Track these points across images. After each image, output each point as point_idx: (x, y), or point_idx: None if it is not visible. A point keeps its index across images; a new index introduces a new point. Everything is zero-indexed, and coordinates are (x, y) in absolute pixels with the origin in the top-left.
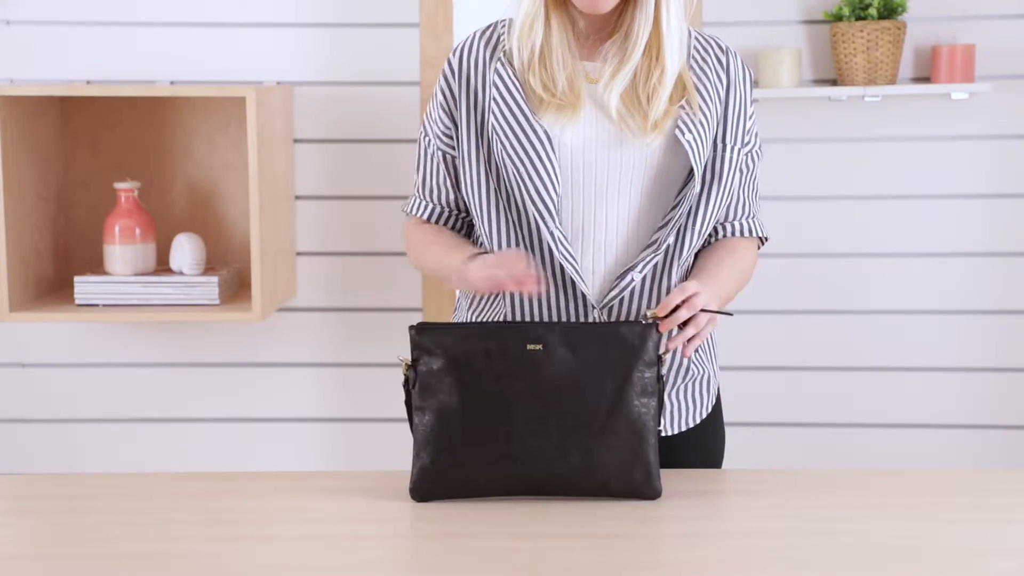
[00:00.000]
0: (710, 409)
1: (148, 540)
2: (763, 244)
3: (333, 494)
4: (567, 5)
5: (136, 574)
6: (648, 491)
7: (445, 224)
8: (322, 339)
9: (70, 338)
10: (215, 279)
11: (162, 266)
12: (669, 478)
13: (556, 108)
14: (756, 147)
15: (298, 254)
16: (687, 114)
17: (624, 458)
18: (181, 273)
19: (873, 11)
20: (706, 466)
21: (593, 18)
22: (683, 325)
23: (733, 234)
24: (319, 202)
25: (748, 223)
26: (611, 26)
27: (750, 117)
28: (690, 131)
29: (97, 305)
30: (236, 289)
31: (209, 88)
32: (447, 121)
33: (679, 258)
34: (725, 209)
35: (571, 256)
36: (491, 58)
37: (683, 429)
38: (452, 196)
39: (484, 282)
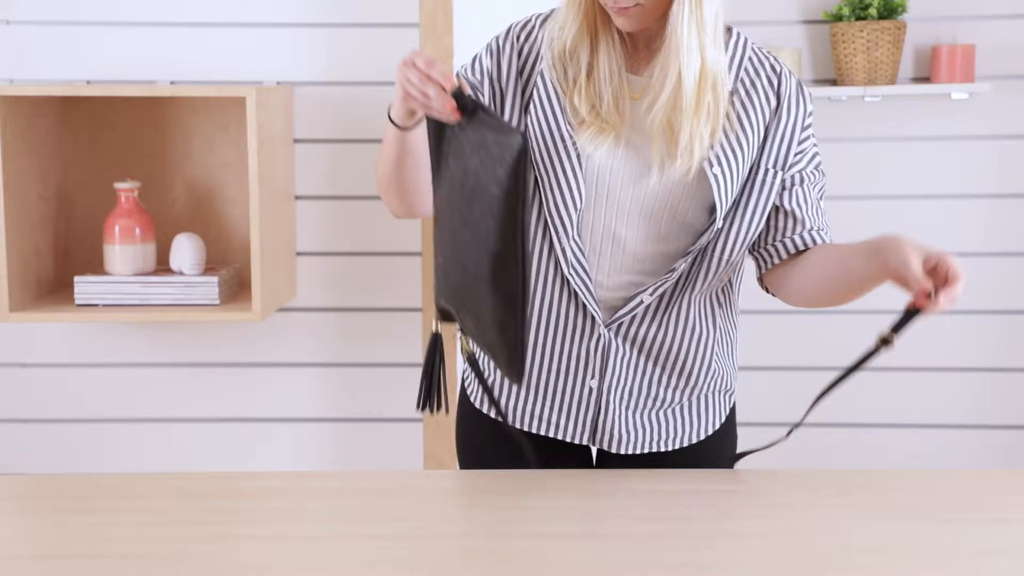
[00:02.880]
0: (724, 418)
1: (148, 540)
2: None
3: (333, 494)
4: (609, 18)
5: (136, 574)
6: None
7: None
8: (322, 339)
9: (70, 338)
10: (215, 279)
11: (162, 266)
12: (670, 477)
13: (597, 129)
14: (809, 167)
15: (298, 254)
16: (720, 145)
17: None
18: (181, 273)
19: (873, 11)
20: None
21: (637, 32)
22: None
23: (824, 241)
24: (319, 202)
25: (822, 236)
26: (660, 38)
27: (801, 141)
28: (719, 164)
29: (97, 305)
30: (236, 289)
31: (209, 88)
32: (494, 75)
33: (696, 286)
34: (801, 218)
35: (583, 272)
36: (542, 52)
37: (677, 447)
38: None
39: (400, 70)
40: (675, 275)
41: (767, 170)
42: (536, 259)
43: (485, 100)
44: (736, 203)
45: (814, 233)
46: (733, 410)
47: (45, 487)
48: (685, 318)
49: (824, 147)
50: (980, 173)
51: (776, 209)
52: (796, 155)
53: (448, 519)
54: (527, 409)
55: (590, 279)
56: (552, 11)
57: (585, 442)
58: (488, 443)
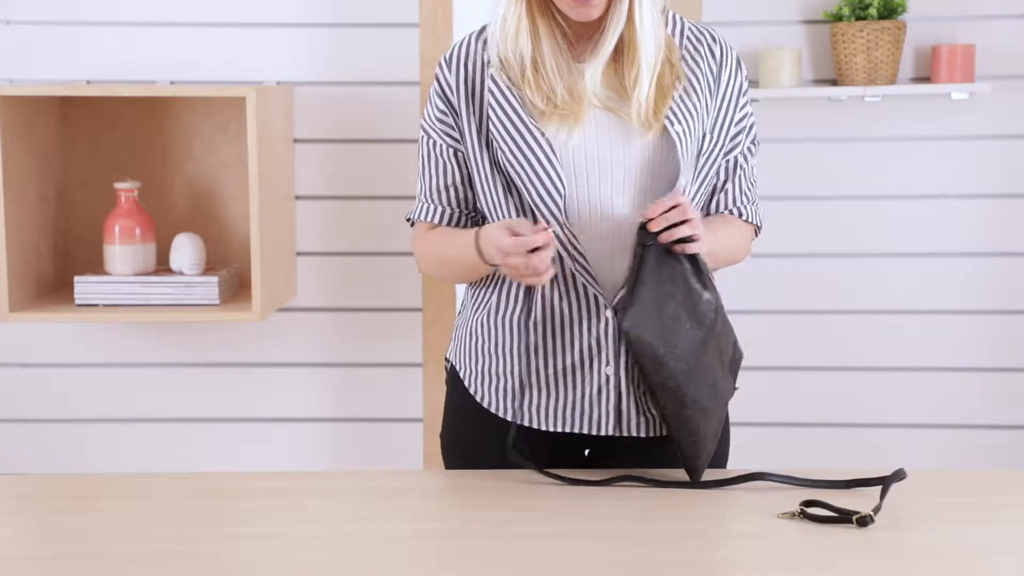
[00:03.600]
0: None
1: (148, 540)
2: (758, 234)
3: (333, 494)
4: (551, 11)
5: (136, 574)
6: None
7: (456, 226)
8: (322, 339)
9: (70, 338)
10: (215, 279)
11: (162, 266)
12: (671, 477)
13: (559, 119)
14: (751, 139)
15: (298, 254)
16: (677, 106)
17: None
18: (181, 273)
19: (873, 11)
20: (716, 464)
21: (580, 23)
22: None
23: (742, 217)
24: (319, 202)
25: (744, 208)
26: (599, 28)
27: (742, 107)
28: (679, 122)
29: (97, 305)
30: (236, 289)
31: (209, 88)
32: (449, 121)
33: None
34: (720, 194)
35: (580, 256)
36: (487, 60)
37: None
38: (463, 194)
39: (500, 256)
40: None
41: (721, 134)
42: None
43: (456, 137)
44: (702, 160)
45: (740, 206)
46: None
47: (45, 487)
48: None
49: (824, 147)
50: (980, 173)
51: (719, 176)
52: (739, 123)
53: (447, 519)
54: (546, 409)
55: (588, 262)
56: (483, 27)
57: (610, 432)
58: (493, 446)
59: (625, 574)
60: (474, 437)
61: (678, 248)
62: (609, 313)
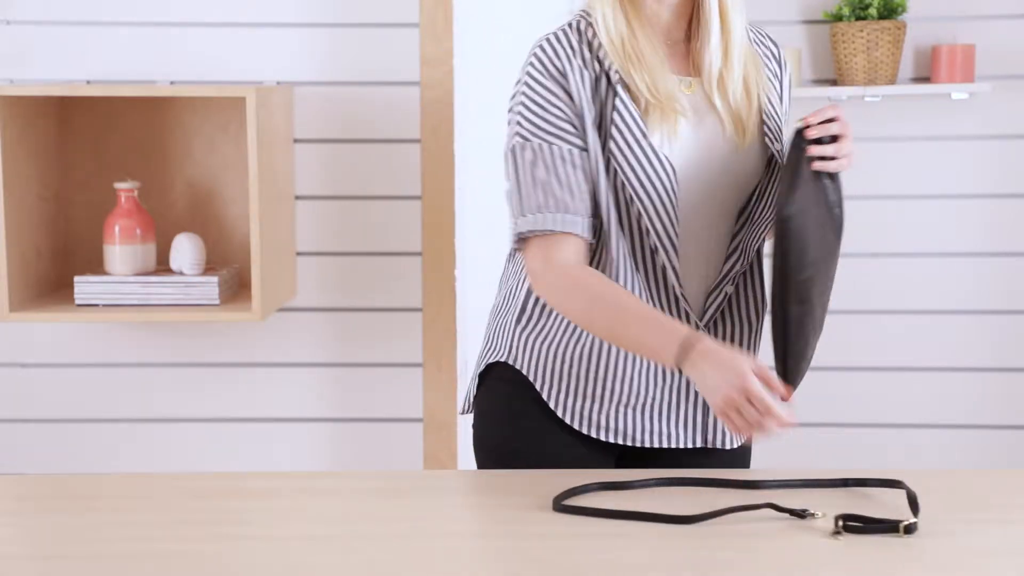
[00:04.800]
0: None
1: (148, 540)
2: None
3: (333, 494)
4: (638, 5)
5: (136, 574)
6: None
7: (584, 231)
8: (322, 339)
9: (70, 338)
10: (215, 279)
11: (162, 266)
12: (671, 475)
13: (661, 116)
14: None
15: (298, 254)
16: (770, 120)
17: None
18: (181, 273)
19: (873, 11)
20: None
21: (672, 15)
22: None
23: None
24: (319, 202)
25: None
26: (693, 29)
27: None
28: (777, 140)
29: (97, 305)
30: (236, 289)
31: (209, 88)
32: (577, 123)
33: (760, 258)
34: None
35: (680, 280)
36: (592, 55)
37: (730, 447)
38: (591, 201)
39: (729, 390)
40: (749, 259)
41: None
42: (634, 274)
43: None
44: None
45: None
46: None
47: (45, 487)
48: (749, 303)
49: None
50: (980, 173)
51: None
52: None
53: (448, 519)
54: (634, 425)
55: (683, 284)
56: (572, 23)
57: (699, 444)
58: (564, 456)
59: (626, 574)
60: (536, 441)
61: (819, 165)
62: (701, 330)
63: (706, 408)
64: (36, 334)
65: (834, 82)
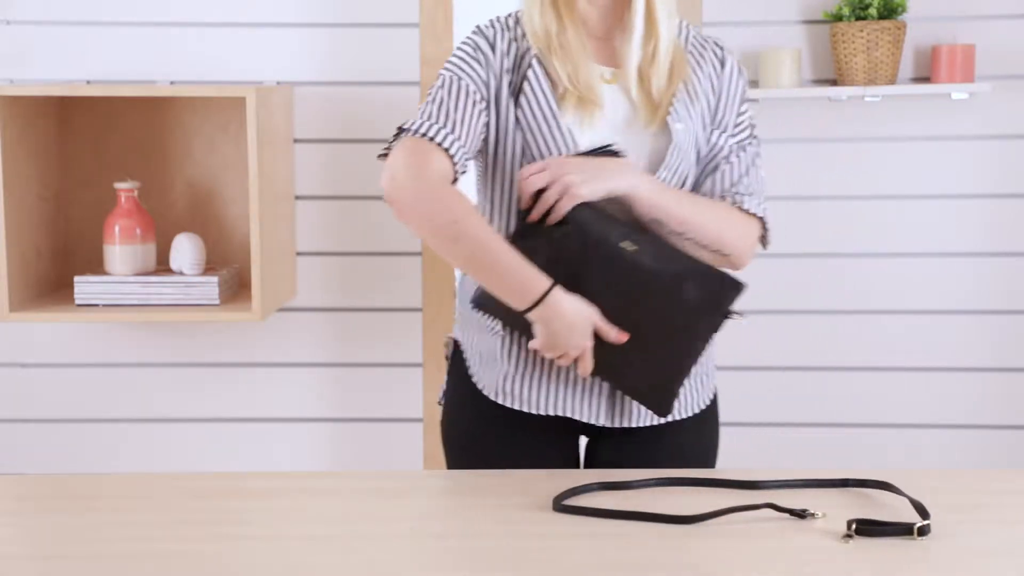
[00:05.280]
0: (711, 399)
1: (148, 540)
2: (766, 232)
3: (333, 494)
4: (571, 2)
5: (136, 574)
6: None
7: (458, 157)
8: (322, 339)
9: (70, 338)
10: (215, 279)
11: (162, 266)
12: (667, 475)
13: (577, 101)
14: (748, 139)
15: (298, 254)
16: (679, 103)
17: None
18: (181, 273)
19: (873, 11)
20: (706, 454)
21: (602, 12)
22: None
23: (741, 207)
24: (319, 202)
25: (745, 199)
26: (620, 27)
27: (742, 113)
28: (681, 120)
29: (97, 305)
30: (236, 289)
31: (209, 88)
32: (484, 78)
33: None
34: (718, 188)
35: None
36: (522, 38)
37: (690, 415)
38: (475, 141)
39: (572, 328)
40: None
41: (724, 136)
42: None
43: (485, 96)
44: (708, 163)
45: (741, 196)
46: (716, 393)
47: (45, 487)
48: None
49: (824, 147)
50: (980, 173)
51: (715, 170)
52: (738, 126)
53: (448, 519)
54: (547, 395)
55: None
56: (511, 13)
57: (602, 422)
58: (503, 434)
59: (630, 574)
60: (470, 420)
61: (551, 219)
62: None
63: (607, 386)
64: (36, 334)
65: (834, 82)
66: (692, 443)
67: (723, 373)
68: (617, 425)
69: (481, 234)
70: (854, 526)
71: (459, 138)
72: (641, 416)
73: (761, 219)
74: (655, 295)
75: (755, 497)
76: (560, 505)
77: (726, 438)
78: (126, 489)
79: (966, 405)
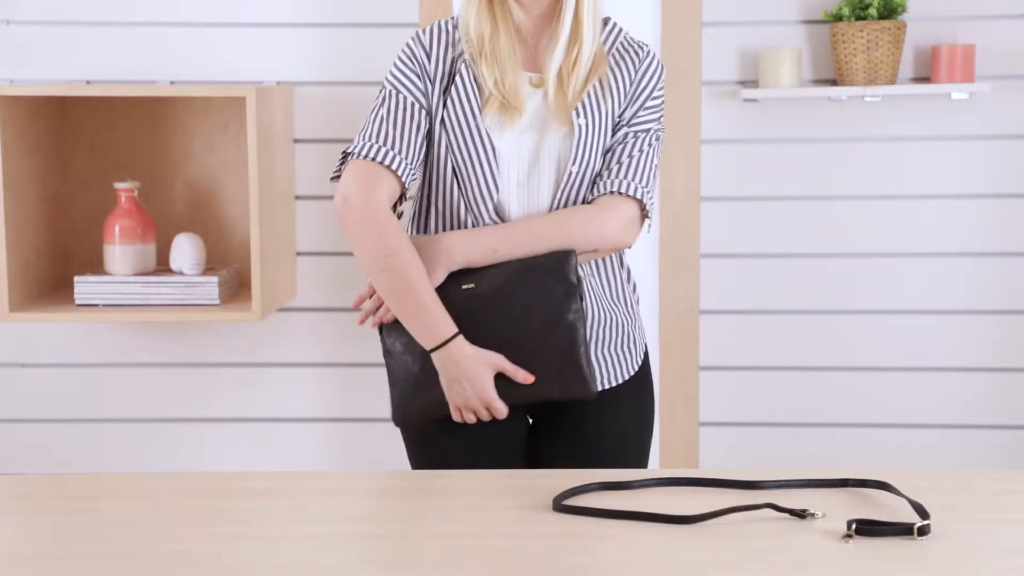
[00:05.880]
0: (638, 366)
1: (148, 540)
2: (647, 215)
3: (333, 494)
4: (507, 9)
5: (136, 574)
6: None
7: (403, 174)
8: (322, 339)
9: (70, 338)
10: (215, 279)
11: (162, 266)
12: (667, 476)
13: (500, 106)
14: (649, 131)
15: (298, 254)
16: (589, 101)
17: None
18: (181, 273)
19: (873, 11)
20: (638, 425)
21: (535, 21)
22: None
23: (607, 190)
24: (319, 202)
25: (626, 182)
26: (548, 34)
27: (648, 108)
28: (584, 115)
29: (97, 305)
30: (236, 289)
31: (209, 88)
32: (423, 87)
33: None
34: (607, 170)
35: None
36: (458, 43)
37: (614, 385)
38: (418, 153)
39: (466, 386)
40: None
41: (623, 129)
42: (458, 225)
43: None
44: (604, 152)
45: (623, 180)
46: (647, 359)
47: (45, 487)
48: (593, 269)
49: (824, 147)
50: (980, 173)
51: (609, 154)
52: (640, 117)
53: (448, 519)
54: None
55: None
56: (454, 16)
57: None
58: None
59: (630, 574)
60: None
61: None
62: None
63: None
64: (36, 334)
65: (834, 82)
66: (625, 408)
67: (722, 373)
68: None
69: (408, 272)
70: (854, 526)
71: (403, 155)
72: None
73: (639, 200)
74: (507, 307)
75: (755, 497)
76: (560, 505)
77: (726, 438)
78: (126, 489)
79: (966, 405)
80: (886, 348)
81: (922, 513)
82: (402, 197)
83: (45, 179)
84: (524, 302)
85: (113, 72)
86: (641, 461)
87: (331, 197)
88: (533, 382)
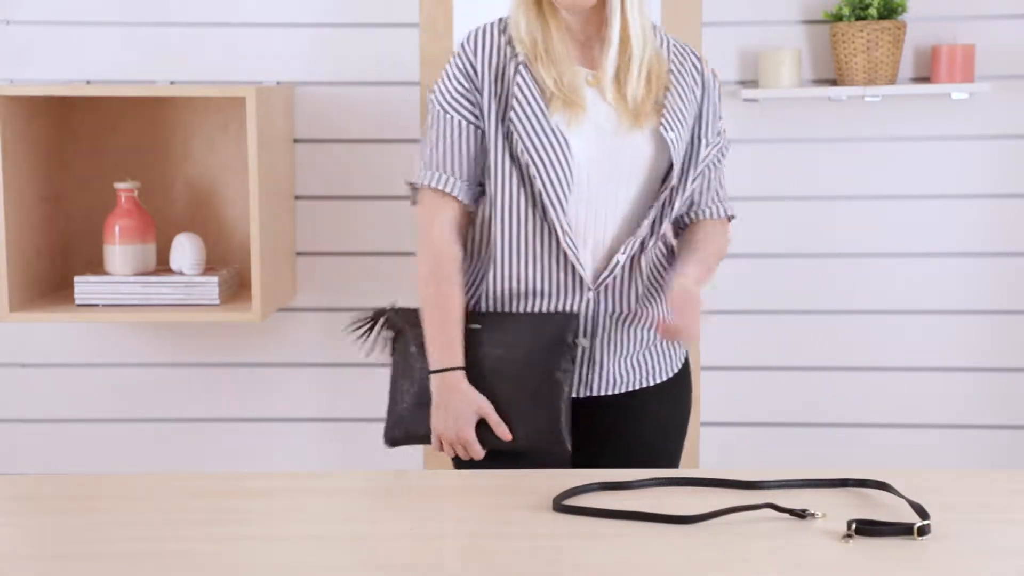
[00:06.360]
0: (680, 366)
1: (148, 540)
2: (730, 221)
3: (333, 494)
4: (555, 11)
5: (136, 574)
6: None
7: (464, 196)
8: (322, 339)
9: (70, 338)
10: (215, 279)
11: (162, 266)
12: (670, 475)
13: (564, 103)
14: (724, 144)
15: (298, 254)
16: (668, 113)
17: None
18: (181, 273)
19: (873, 11)
20: (676, 425)
21: (582, 21)
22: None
23: (706, 216)
24: (319, 202)
25: (718, 206)
26: (597, 31)
27: (720, 119)
28: (672, 129)
29: (97, 305)
30: (236, 289)
31: (209, 88)
32: (472, 99)
33: (652, 240)
34: (698, 195)
35: (574, 245)
36: (507, 46)
37: (654, 384)
38: (476, 169)
39: (449, 421)
40: (641, 232)
41: (705, 144)
42: (530, 234)
43: (477, 110)
44: (688, 166)
45: (714, 204)
46: (687, 361)
47: (45, 487)
48: (650, 271)
49: (824, 147)
50: (980, 173)
51: (702, 177)
52: (717, 134)
53: (448, 519)
54: None
55: (578, 249)
56: (501, 19)
57: (582, 394)
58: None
59: (631, 574)
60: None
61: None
62: (592, 295)
63: (588, 364)
64: (36, 334)
65: (834, 82)
66: (663, 409)
67: (723, 373)
68: (583, 395)
69: (443, 296)
70: (854, 526)
71: (460, 175)
72: (608, 384)
73: (731, 216)
74: (503, 347)
75: (755, 497)
76: (560, 505)
77: (726, 438)
78: (126, 489)
79: (966, 405)
80: (886, 348)
81: (922, 513)
82: (471, 211)
83: (45, 179)
84: (522, 350)
85: (113, 72)
86: (673, 461)
87: (331, 197)
88: (513, 432)
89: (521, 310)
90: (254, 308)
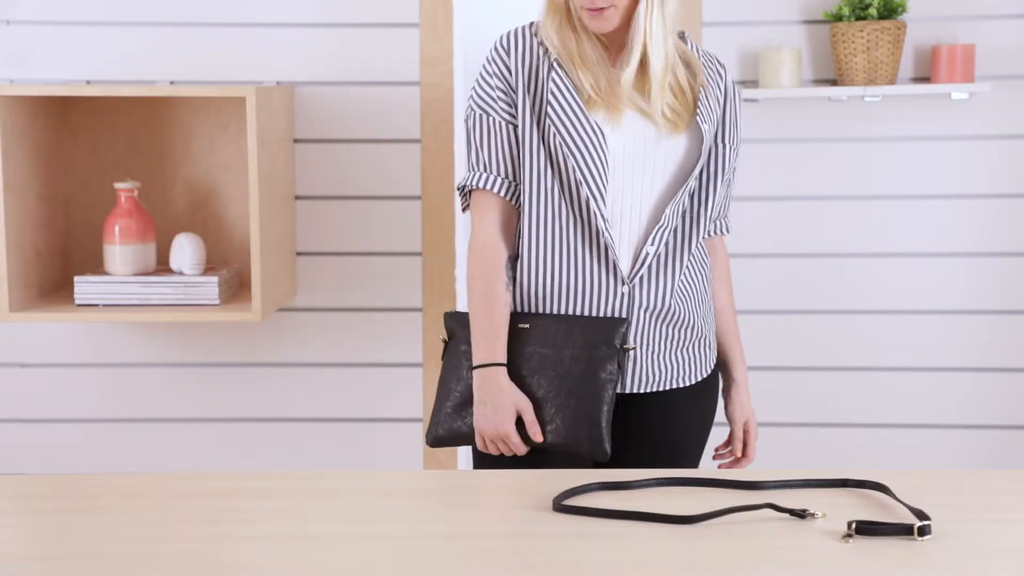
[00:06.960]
0: (711, 370)
1: (148, 540)
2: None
3: (333, 494)
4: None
5: (136, 574)
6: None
7: (509, 194)
8: (322, 339)
9: (70, 338)
10: (215, 279)
11: (162, 266)
12: (676, 475)
13: (604, 107)
14: (735, 163)
15: (298, 254)
16: (703, 107)
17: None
18: (181, 273)
19: (873, 11)
20: (702, 427)
21: (608, 35)
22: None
23: (718, 231)
24: (319, 202)
25: (725, 222)
26: (624, 40)
27: (739, 130)
28: (708, 121)
29: (97, 305)
30: (236, 289)
31: (209, 88)
32: (509, 99)
33: (692, 240)
34: (723, 209)
35: (612, 236)
36: (539, 46)
37: (686, 385)
38: (516, 167)
39: (490, 418)
40: (670, 226)
41: (730, 147)
42: (566, 229)
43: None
44: (716, 168)
45: (723, 220)
46: (717, 364)
47: (45, 487)
48: (686, 272)
49: (824, 147)
50: (980, 173)
51: (727, 186)
52: (737, 144)
53: (448, 519)
54: None
55: (613, 239)
56: (532, 23)
57: (616, 390)
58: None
59: (631, 574)
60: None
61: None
62: (625, 289)
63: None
64: (36, 334)
65: (834, 82)
66: (693, 411)
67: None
68: (631, 391)
69: (492, 297)
70: (854, 526)
71: (501, 173)
72: (640, 382)
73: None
74: (550, 347)
75: (755, 497)
76: (560, 505)
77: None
78: (126, 489)
79: (965, 405)
80: (886, 348)
81: (920, 515)
82: (518, 208)
83: (45, 179)
84: (570, 350)
85: (113, 72)
86: (695, 462)
87: (331, 197)
88: (552, 430)
89: (553, 307)
90: (254, 308)
